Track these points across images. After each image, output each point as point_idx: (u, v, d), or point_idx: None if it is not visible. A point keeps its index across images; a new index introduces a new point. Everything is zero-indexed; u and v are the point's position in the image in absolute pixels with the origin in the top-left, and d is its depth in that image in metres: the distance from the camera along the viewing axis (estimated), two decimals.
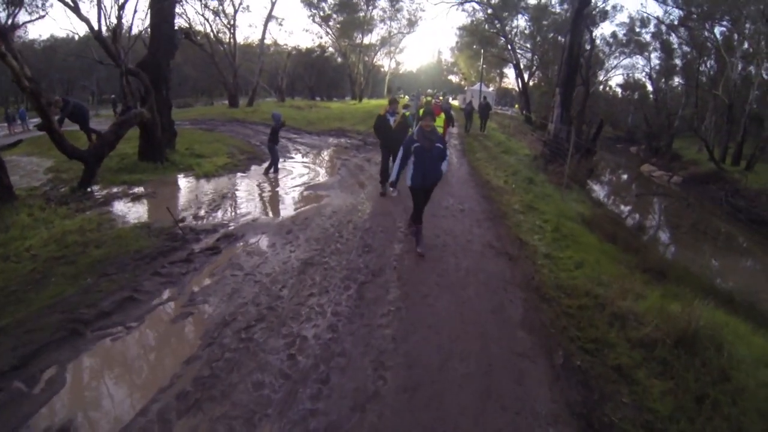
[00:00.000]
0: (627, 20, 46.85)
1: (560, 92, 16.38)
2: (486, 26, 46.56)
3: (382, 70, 64.53)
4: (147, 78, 13.45)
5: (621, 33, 47.11)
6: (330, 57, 62.00)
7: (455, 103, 46.65)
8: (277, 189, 11.33)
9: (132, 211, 9.04)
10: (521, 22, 46.44)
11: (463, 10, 48.19)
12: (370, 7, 52.26)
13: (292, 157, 16.00)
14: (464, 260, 6.69)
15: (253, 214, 9.03)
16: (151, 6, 14.33)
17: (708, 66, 38.47)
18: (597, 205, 13.45)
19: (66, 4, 13.72)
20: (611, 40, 47.99)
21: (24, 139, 20.03)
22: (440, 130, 13.14)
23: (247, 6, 59.37)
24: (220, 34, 39.94)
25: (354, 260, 6.65)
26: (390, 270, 6.36)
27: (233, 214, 9.12)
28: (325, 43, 57.77)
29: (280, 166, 13.21)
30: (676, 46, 41.36)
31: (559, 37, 42.38)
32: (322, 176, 12.81)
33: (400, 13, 54.37)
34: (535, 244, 7.83)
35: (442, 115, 13.84)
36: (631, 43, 46.38)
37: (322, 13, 52.48)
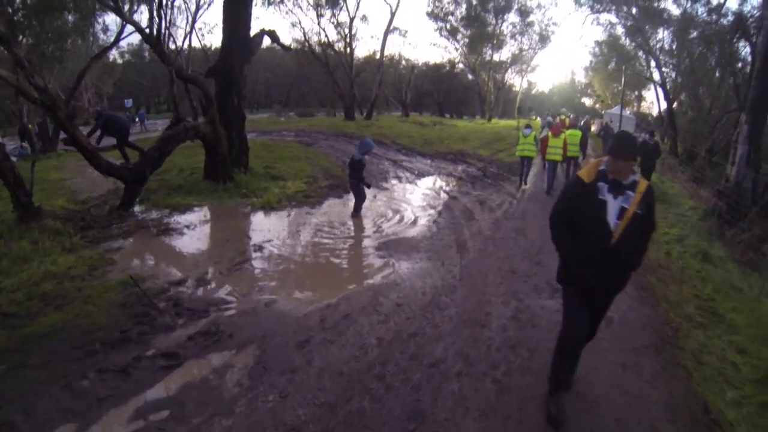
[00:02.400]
0: None
1: (748, 121, 11.55)
2: (627, 40, 41.08)
3: (513, 89, 60.75)
4: (207, 85, 11.45)
5: None
6: (460, 73, 59.99)
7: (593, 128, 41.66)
8: (336, 243, 8.17)
9: (143, 252, 7.55)
10: (665, 35, 40.31)
11: (599, 24, 43.21)
12: (500, 21, 48.45)
13: (387, 188, 12.82)
14: None
15: (275, 290, 6.08)
16: (224, 4, 12.27)
17: None
18: None
19: (106, 5, 12.00)
20: None
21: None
22: (559, 151, 12.80)
23: (363, 15, 57.46)
24: (338, 45, 38.13)
25: None
26: None
27: (251, 284, 6.25)
28: (454, 58, 55.42)
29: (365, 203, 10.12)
30: None
31: (709, 54, 36.01)
32: (412, 224, 9.49)
33: (531, 28, 50.02)
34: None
35: (563, 134, 13.11)
36: None
37: (448, 26, 49.51)
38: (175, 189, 11.17)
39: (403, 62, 54.48)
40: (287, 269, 6.89)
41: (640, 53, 40.08)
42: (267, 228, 8.76)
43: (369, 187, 9.78)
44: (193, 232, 8.51)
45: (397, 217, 9.92)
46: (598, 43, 46.37)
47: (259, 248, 7.60)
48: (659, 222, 10.66)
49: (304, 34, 37.00)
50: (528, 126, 13.83)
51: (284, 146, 18.99)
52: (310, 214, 9.82)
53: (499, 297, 5.99)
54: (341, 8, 37.20)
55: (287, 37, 46.62)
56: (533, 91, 78.76)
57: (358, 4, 54.82)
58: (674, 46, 38.24)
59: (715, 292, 7.11)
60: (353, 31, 37.83)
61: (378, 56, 40.34)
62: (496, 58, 50.98)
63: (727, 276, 7.98)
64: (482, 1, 46.15)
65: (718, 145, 33.11)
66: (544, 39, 50.53)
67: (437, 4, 48.22)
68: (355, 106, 38.56)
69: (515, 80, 59.53)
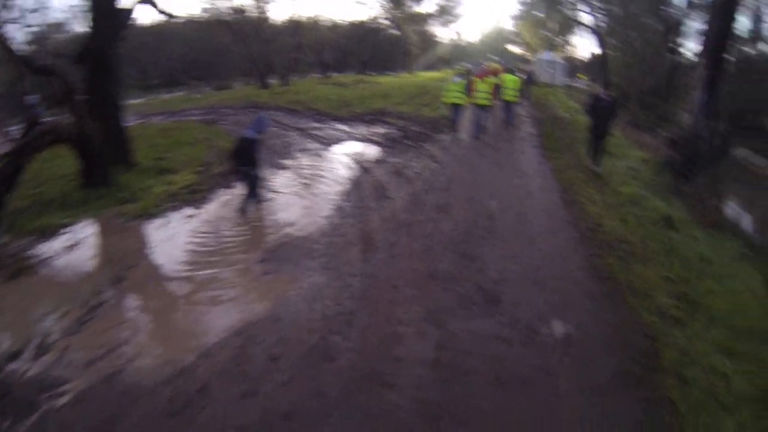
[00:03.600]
0: None
1: (706, 65, 10.34)
2: None
3: (439, 41, 59.31)
4: (66, 75, 9.50)
5: None
6: (384, 29, 57.51)
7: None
8: (211, 260, 6.41)
9: None
10: None
11: None
12: None
13: (288, 167, 10.93)
14: None
15: (124, 350, 4.48)
16: None
17: None
18: None
19: None
20: None
21: None
22: (486, 95, 13.23)
23: None
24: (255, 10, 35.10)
25: None
26: None
27: (97, 344, 4.60)
28: (378, 14, 53.11)
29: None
30: None
31: None
32: (310, 214, 7.88)
33: None
34: None
35: (489, 79, 13.72)
36: None
37: None
38: (48, 204, 9.13)
39: (328, 22, 51.74)
40: (145, 311, 5.31)
41: None
42: (135, 247, 7.06)
43: (254, 164, 7.90)
44: (51, 267, 6.70)
45: (294, 206, 8.34)
46: None
47: (118, 282, 5.91)
48: (610, 178, 9.53)
49: None
50: (460, 74, 13.89)
51: (186, 128, 16.89)
52: (192, 218, 8.09)
53: (412, 324, 4.62)
54: None
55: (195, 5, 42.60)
56: (460, 42, 77.95)
57: None
58: None
59: (685, 269, 6.05)
60: None
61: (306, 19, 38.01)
62: (420, 10, 49.37)
63: (694, 245, 6.96)
64: None
65: (647, 87, 33.87)
66: None
67: None
68: (272, 73, 36.13)
69: (441, 32, 58.25)
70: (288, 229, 7.25)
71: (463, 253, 6.12)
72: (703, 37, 11.04)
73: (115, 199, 9.07)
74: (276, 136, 13.81)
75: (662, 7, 33.22)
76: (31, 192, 9.80)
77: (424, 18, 51.11)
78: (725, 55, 10.54)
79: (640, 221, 7.41)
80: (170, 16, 17.25)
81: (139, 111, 24.35)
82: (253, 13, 34.78)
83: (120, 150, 10.63)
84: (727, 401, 3.74)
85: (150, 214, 8.20)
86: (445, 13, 52.62)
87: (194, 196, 9.11)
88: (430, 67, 57.77)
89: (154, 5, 12.51)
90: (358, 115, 18.05)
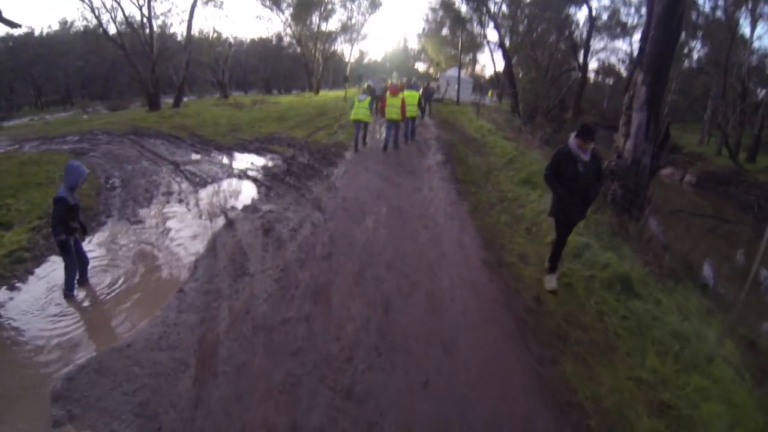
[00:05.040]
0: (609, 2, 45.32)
1: (645, 81, 8.75)
2: (463, 4, 41.13)
3: (344, 59, 58.14)
4: None
5: (605, 15, 42.82)
6: (287, 47, 57.54)
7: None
8: None
9: None
10: None
11: None
12: None
13: (143, 218, 8.41)
14: None
15: None
16: None
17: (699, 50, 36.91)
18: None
19: None
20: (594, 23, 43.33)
21: None
22: (397, 110, 13.87)
23: None
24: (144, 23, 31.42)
25: None
26: None
27: None
28: (283, 32, 52.17)
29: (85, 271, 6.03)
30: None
31: (545, 13, 38.64)
32: (141, 304, 5.49)
33: None
34: None
35: (400, 95, 14.04)
36: (617, 26, 42.39)
37: None
38: None
39: (230, 39, 48.74)
40: None
41: (482, 12, 40.72)
42: None
43: (73, 232, 5.68)
44: None
45: (124, 289, 5.93)
46: (433, 10, 48.72)
47: None
48: (540, 222, 7.79)
49: (93, 9, 29.41)
50: (364, 92, 15.05)
51: (48, 161, 13.34)
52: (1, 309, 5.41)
53: None
54: None
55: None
56: (365, 60, 79.19)
57: None
58: (508, 10, 38.91)
59: (661, 359, 4.33)
60: (152, 4, 31.03)
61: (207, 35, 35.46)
62: (324, 27, 47.90)
63: (662, 315, 5.22)
64: None
65: (553, 102, 36.49)
66: (375, 4, 49.03)
67: None
68: (165, 93, 32.81)
69: (345, 49, 57.48)
70: (103, 334, 4.93)
71: (348, 387, 3.99)
72: (640, 51, 9.48)
73: None
74: (143, 173, 11.26)
75: (565, 28, 34.93)
76: None
77: (329, 36, 49.56)
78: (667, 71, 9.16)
79: (590, 285, 5.66)
80: (13, 25, 13.62)
81: (14, 135, 20.28)
82: (143, 25, 31.28)
83: None
84: None
85: None
86: (350, 30, 51.42)
87: (16, 268, 6.41)
88: (335, 86, 56.81)
89: None
90: (244, 143, 15.72)
